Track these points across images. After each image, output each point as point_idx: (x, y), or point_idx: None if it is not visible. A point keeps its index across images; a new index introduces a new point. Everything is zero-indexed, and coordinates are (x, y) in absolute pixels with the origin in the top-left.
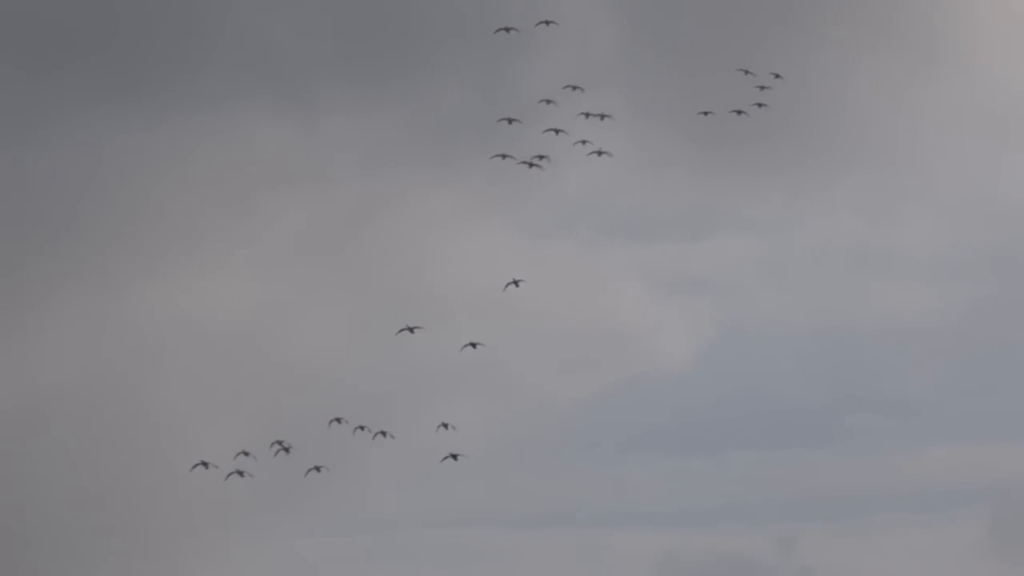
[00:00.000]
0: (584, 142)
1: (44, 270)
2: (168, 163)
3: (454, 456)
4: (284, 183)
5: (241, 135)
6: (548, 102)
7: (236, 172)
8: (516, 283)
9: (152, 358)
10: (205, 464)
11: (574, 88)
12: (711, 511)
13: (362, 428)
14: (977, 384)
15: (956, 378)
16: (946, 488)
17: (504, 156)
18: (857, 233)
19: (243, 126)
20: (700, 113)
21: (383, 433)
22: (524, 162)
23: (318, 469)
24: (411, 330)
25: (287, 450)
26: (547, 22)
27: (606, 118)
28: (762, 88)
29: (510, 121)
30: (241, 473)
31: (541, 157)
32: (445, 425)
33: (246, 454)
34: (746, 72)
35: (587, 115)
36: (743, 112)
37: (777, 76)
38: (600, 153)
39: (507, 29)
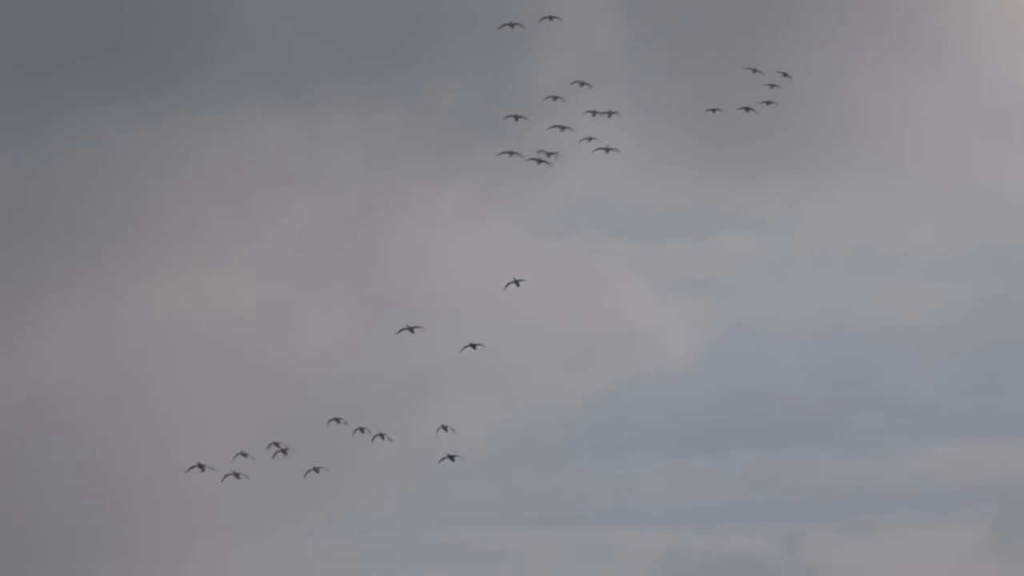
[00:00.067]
0: (590, 139)
1: (45, 270)
2: (169, 163)
3: (451, 457)
4: (285, 183)
5: (243, 135)
6: (555, 98)
7: (237, 172)
8: (516, 282)
9: (153, 358)
10: (201, 467)
11: (581, 84)
12: (713, 510)
13: (361, 430)
14: (980, 383)
15: (959, 377)
16: (948, 487)
17: (511, 153)
18: (860, 233)
19: (244, 126)
20: (708, 110)
21: (382, 435)
22: (532, 158)
23: (317, 470)
24: (411, 330)
25: (284, 452)
26: (551, 17)
27: (613, 115)
28: (771, 86)
29: (516, 118)
30: (237, 475)
31: (550, 153)
32: (444, 428)
33: (244, 455)
34: (754, 71)
35: (594, 113)
36: (751, 109)
37: (785, 75)
38: (608, 149)
39: (511, 24)
